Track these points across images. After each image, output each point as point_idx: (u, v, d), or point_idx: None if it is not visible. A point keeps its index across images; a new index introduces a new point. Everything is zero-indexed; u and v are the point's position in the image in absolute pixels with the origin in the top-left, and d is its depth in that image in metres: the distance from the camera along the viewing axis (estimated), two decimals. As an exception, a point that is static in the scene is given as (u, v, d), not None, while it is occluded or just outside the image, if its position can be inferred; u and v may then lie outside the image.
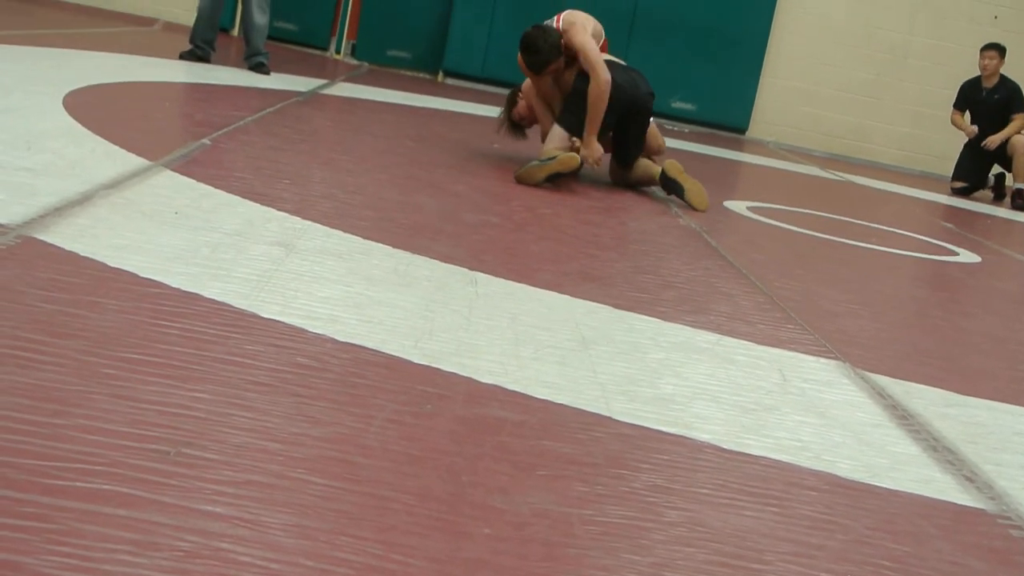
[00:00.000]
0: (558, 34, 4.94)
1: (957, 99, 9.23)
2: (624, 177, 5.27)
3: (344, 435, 1.63)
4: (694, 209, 4.89)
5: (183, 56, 7.26)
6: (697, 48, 10.93)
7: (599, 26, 5.17)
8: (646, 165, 5.19)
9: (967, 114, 9.13)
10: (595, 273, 3.15)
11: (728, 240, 4.34)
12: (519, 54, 5.02)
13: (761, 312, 3.02)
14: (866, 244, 4.89)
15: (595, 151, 4.94)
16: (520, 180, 4.70)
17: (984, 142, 8.82)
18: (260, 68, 7.27)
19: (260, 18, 7.34)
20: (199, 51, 7.29)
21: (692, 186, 4.91)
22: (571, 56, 4.99)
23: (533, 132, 5.54)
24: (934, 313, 3.86)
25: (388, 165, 4.52)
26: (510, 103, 5.41)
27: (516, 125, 5.45)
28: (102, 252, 2.32)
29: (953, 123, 9.28)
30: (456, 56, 10.85)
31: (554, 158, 4.69)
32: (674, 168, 4.99)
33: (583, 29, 4.98)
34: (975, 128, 8.93)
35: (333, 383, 1.85)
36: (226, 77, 6.75)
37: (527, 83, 5.27)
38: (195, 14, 7.40)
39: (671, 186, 4.98)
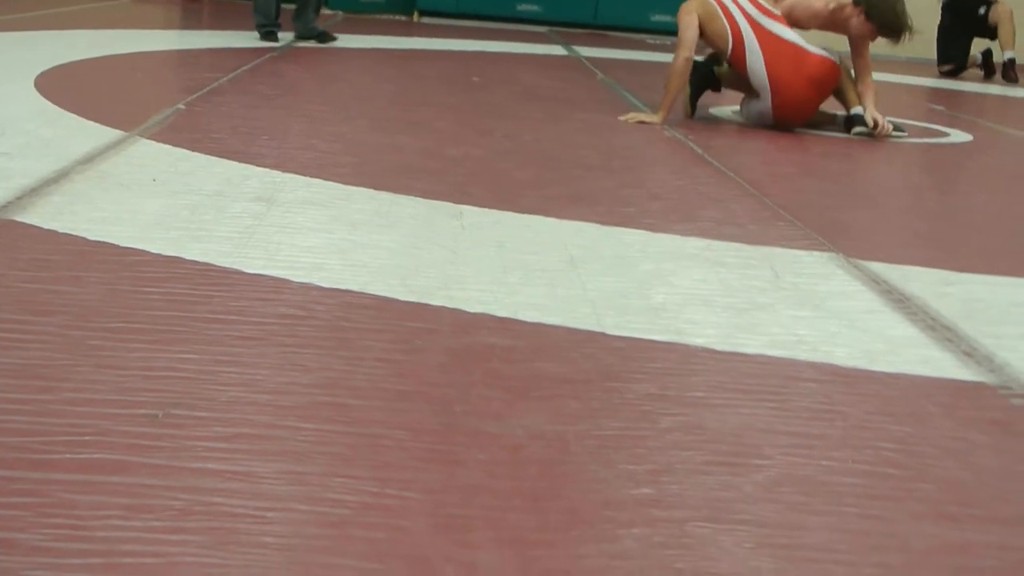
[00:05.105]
0: None
1: None
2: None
3: (333, 379, 1.63)
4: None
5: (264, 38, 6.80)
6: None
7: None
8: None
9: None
10: (581, 193, 3.13)
11: (715, 146, 4.30)
12: None
13: (751, 213, 3.00)
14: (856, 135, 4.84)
15: None
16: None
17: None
18: (270, 36, 6.93)
19: None
20: (267, 29, 6.82)
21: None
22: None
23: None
24: (928, 196, 3.84)
25: (367, 110, 4.48)
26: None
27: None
28: (82, 227, 2.31)
29: None
30: (429, -6, 10.72)
31: None
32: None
33: None
34: None
35: (320, 329, 1.84)
36: (199, 41, 6.68)
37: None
38: None
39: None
